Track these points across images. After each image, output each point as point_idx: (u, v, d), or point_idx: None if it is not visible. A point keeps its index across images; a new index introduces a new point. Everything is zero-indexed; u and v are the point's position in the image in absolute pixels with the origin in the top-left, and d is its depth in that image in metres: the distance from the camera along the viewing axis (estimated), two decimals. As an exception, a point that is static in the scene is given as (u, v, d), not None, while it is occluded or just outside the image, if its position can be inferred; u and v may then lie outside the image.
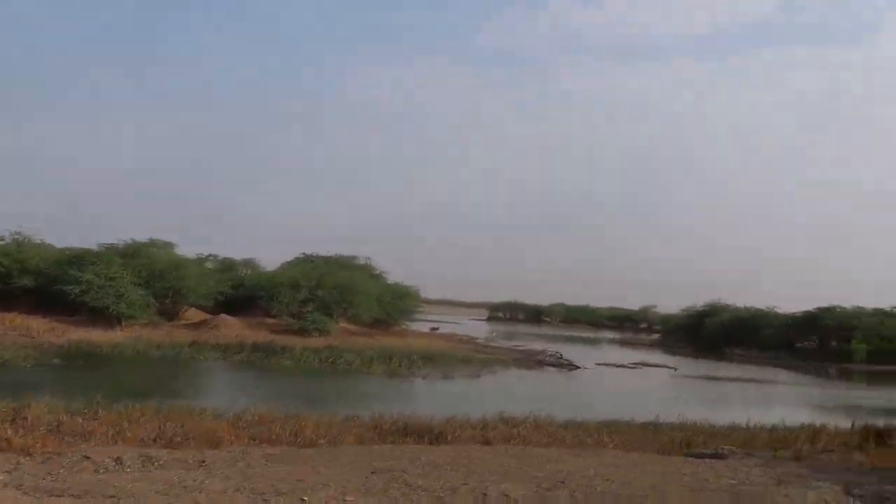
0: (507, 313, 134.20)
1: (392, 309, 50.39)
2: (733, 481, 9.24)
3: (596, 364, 41.52)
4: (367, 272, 53.69)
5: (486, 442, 13.32)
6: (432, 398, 22.68)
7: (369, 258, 57.35)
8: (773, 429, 17.07)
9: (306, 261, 53.82)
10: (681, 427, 16.75)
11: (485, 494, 7.40)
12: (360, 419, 14.95)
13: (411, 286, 55.87)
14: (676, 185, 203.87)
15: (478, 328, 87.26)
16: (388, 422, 14.34)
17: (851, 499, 8.64)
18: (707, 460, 11.25)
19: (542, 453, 11.03)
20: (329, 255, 56.34)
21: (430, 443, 12.85)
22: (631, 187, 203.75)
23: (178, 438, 11.12)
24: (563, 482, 8.30)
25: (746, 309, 72.02)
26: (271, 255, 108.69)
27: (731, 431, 16.49)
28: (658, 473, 9.42)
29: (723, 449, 12.33)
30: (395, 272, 79.29)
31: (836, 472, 10.85)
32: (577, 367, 38.17)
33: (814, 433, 16.24)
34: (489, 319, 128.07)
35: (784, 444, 14.30)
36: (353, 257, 57.04)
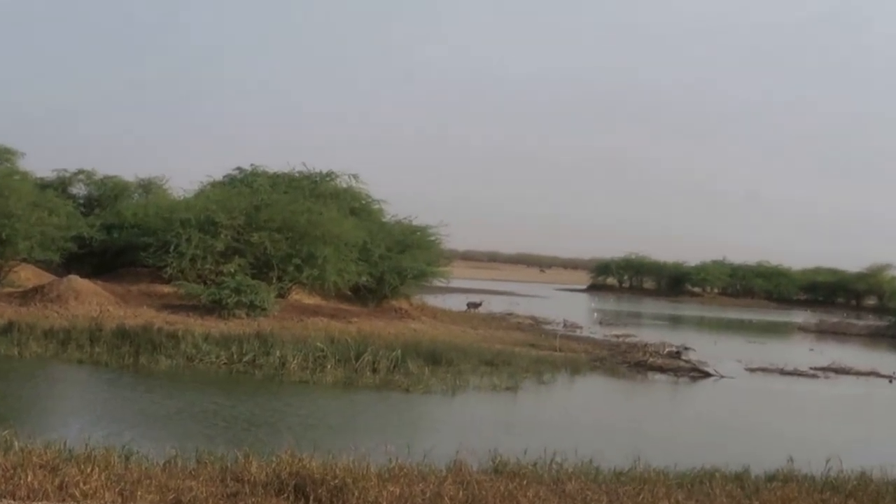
0: (627, 278, 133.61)
1: (390, 269, 50.10)
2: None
3: (747, 369, 41.06)
4: (348, 202, 53.45)
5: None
6: (399, 428, 22.62)
7: (355, 175, 56.93)
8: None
9: (239, 181, 53.71)
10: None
11: None
12: (223, 461, 15.01)
13: (430, 228, 55.38)
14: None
15: (569, 304, 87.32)
16: (265, 467, 14.25)
17: None
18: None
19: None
20: (284, 170, 56.13)
21: (315, 505, 12.69)
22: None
23: None
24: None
25: None
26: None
27: None
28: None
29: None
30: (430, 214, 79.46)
31: None
32: (710, 375, 37.72)
33: None
34: (591, 289, 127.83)
35: None
36: (327, 175, 56.79)
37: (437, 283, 56.77)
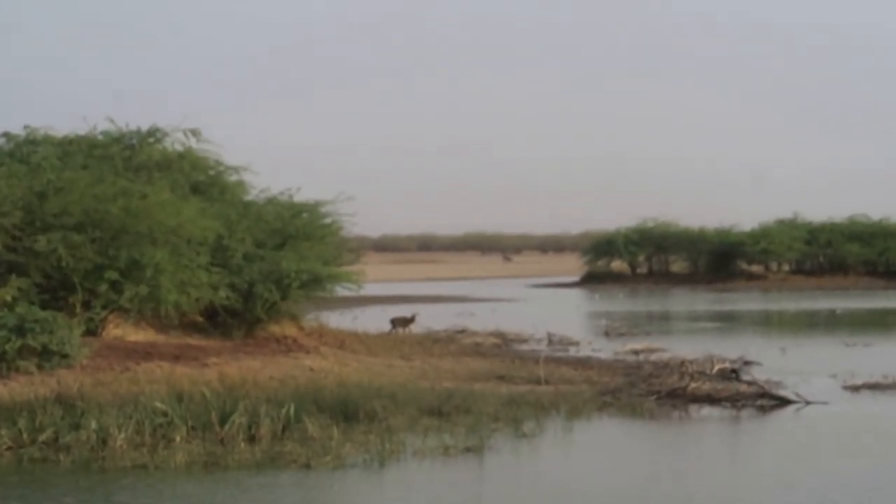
0: (644, 258, 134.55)
1: (263, 276, 49.87)
2: None
3: (846, 387, 41.46)
4: (187, 174, 53.12)
5: None
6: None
7: (195, 131, 56.46)
8: None
9: (7, 155, 53.25)
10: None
11: None
12: None
13: (323, 205, 55.37)
14: None
15: (555, 308, 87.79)
16: None
17: None
18: None
19: None
20: (80, 132, 55.67)
21: None
22: None
23: None
24: None
25: None
26: None
27: None
28: None
29: None
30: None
31: None
32: (790, 401, 38.00)
33: None
34: (588, 282, 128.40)
35: None
36: (150, 133, 56.25)
37: (342, 291, 56.55)
